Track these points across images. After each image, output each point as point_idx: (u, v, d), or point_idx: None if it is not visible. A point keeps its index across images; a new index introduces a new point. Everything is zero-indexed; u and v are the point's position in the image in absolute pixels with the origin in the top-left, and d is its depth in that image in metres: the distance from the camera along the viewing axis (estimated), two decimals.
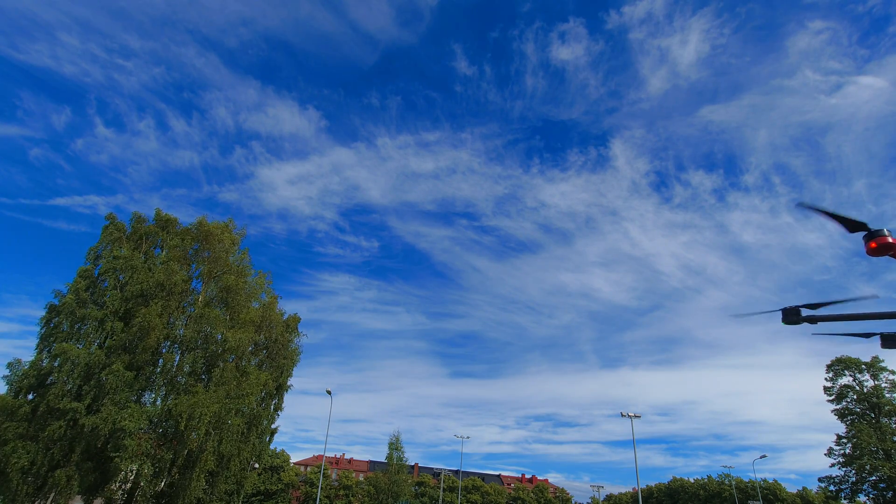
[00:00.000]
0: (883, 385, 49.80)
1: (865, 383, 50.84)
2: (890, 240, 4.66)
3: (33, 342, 27.03)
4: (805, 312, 6.36)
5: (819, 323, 6.28)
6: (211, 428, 25.20)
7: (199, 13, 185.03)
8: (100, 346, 26.44)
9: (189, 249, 31.11)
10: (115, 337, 26.28)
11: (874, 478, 46.86)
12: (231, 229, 33.04)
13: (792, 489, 71.86)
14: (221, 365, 28.08)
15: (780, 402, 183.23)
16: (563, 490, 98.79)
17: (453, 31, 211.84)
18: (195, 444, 25.49)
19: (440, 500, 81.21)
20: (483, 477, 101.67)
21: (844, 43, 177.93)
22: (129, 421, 23.62)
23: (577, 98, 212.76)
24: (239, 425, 26.77)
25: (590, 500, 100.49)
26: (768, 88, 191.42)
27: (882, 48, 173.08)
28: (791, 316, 6.31)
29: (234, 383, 26.98)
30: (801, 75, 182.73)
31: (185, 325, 28.72)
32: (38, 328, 27.21)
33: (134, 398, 26.11)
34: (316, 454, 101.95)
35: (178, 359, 28.09)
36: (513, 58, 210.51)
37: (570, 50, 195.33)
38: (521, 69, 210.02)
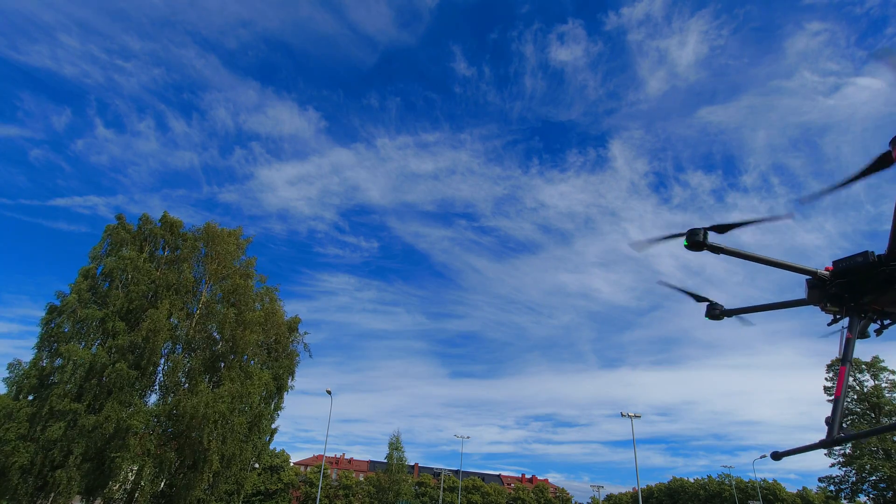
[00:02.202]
0: (883, 385, 49.84)
1: (865, 383, 50.87)
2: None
3: (33, 342, 27.04)
4: (713, 238, 6.05)
5: (722, 255, 6.08)
6: (216, 428, 25.22)
7: (198, 15, 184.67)
8: (101, 346, 26.47)
9: (196, 251, 31.32)
10: (119, 338, 26.30)
11: (874, 478, 46.89)
12: (239, 235, 33.56)
13: (792, 489, 71.92)
14: (224, 365, 28.12)
15: (780, 402, 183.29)
16: (563, 490, 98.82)
17: (452, 33, 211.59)
18: (201, 444, 25.51)
19: (440, 500, 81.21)
20: (483, 477, 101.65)
21: (842, 44, 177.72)
22: (134, 419, 23.64)
23: (576, 99, 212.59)
24: (243, 425, 26.78)
25: (590, 500, 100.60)
26: (766, 89, 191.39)
27: (880, 49, 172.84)
28: (694, 237, 6.02)
29: (239, 383, 27.02)
30: (800, 76, 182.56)
31: (190, 325, 28.78)
32: (38, 328, 27.23)
33: (137, 397, 26.13)
34: (316, 454, 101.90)
35: (180, 359, 28.09)
36: (512, 59, 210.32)
37: (569, 51, 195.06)
38: (520, 70, 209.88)
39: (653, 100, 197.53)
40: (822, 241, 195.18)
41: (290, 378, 32.68)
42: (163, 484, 26.30)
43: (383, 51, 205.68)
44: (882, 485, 46.31)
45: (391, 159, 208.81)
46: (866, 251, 5.05)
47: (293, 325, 33.77)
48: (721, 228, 5.91)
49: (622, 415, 47.35)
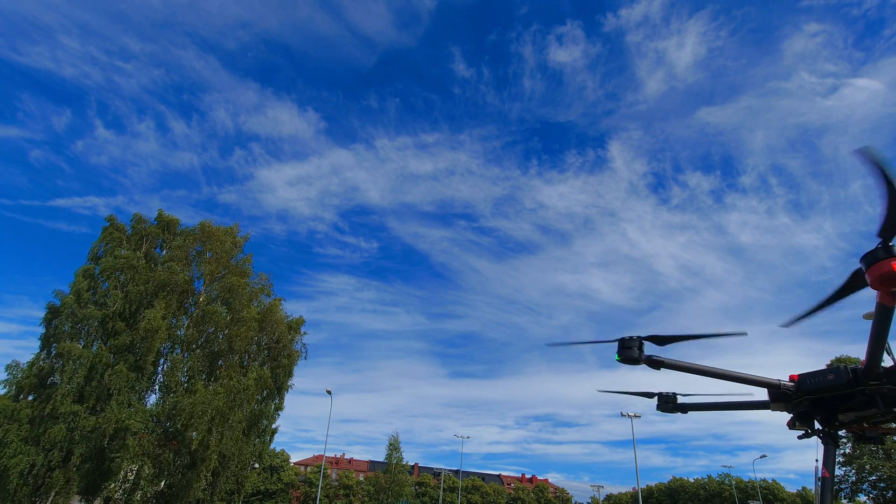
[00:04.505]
0: None
1: None
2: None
3: (33, 342, 27.29)
4: (651, 350, 4.98)
5: (662, 369, 5.05)
6: (213, 425, 25.18)
7: (198, 16, 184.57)
8: (102, 346, 26.48)
9: (191, 250, 31.23)
10: (118, 338, 26.30)
11: (874, 477, 46.90)
12: (235, 233, 33.42)
13: (791, 489, 71.93)
14: (222, 363, 28.09)
15: None
16: (563, 490, 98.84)
17: (451, 34, 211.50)
18: (197, 443, 25.49)
19: (440, 500, 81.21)
20: (483, 477, 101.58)
21: (840, 45, 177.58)
22: (133, 420, 23.61)
23: (575, 100, 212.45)
24: (241, 421, 26.73)
25: (590, 500, 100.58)
26: (764, 90, 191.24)
27: (877, 51, 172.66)
28: (627, 352, 5.04)
29: (236, 381, 26.98)
30: (798, 77, 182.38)
31: (188, 325, 28.75)
32: (38, 328, 27.32)
33: (136, 398, 26.13)
34: (316, 454, 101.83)
35: (179, 359, 28.09)
36: (511, 60, 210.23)
37: (568, 52, 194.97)
38: (519, 71, 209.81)
39: (651, 101, 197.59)
40: (821, 241, 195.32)
41: (289, 378, 32.57)
42: (163, 484, 26.29)
43: (382, 52, 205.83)
44: (882, 484, 46.31)
45: (390, 160, 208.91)
46: (837, 366, 4.44)
47: (295, 326, 33.68)
48: (659, 340, 5.09)
49: (622, 415, 47.45)
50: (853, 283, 3.71)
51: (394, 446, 69.87)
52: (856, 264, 3.57)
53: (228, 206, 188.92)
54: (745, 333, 4.67)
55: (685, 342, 5.05)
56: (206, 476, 26.00)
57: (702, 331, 5.54)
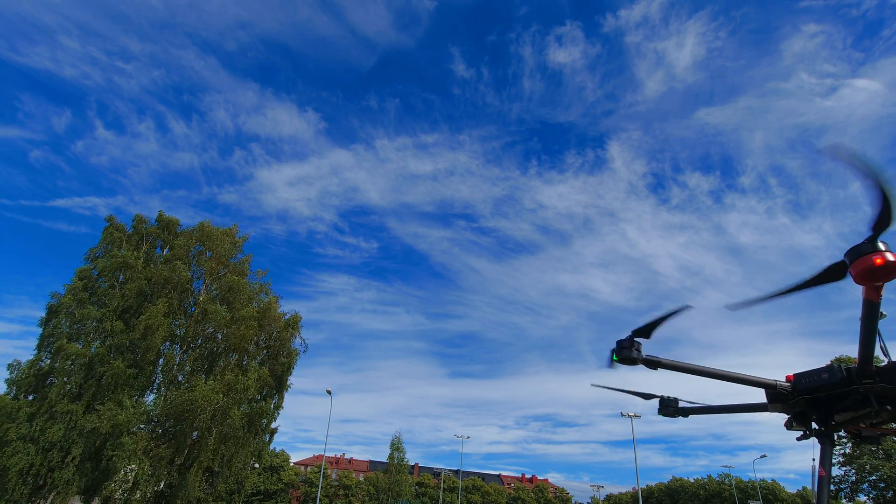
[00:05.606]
0: None
1: None
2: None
3: (33, 342, 27.17)
4: (644, 351, 4.95)
5: (660, 370, 5.07)
6: (212, 424, 25.17)
7: (197, 16, 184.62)
8: (100, 345, 26.51)
9: (191, 250, 31.33)
10: (116, 336, 26.32)
11: (874, 477, 46.89)
12: (234, 233, 33.58)
13: (791, 489, 71.94)
14: (222, 363, 28.10)
15: None
16: (563, 490, 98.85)
17: (451, 35, 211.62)
18: (195, 441, 25.49)
19: (440, 500, 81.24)
20: (483, 477, 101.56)
21: (839, 46, 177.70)
22: (127, 419, 23.61)
23: (575, 100, 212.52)
24: (241, 417, 26.71)
25: (590, 500, 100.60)
26: (764, 91, 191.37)
27: (876, 51, 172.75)
28: (624, 352, 4.99)
29: (233, 377, 26.99)
30: (797, 78, 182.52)
31: (187, 324, 28.78)
32: (38, 328, 27.34)
33: (135, 397, 26.15)
34: (316, 454, 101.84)
35: (178, 357, 28.12)
36: (510, 61, 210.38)
37: (567, 53, 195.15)
38: (519, 72, 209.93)
39: (651, 101, 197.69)
40: (821, 241, 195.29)
41: (289, 376, 32.54)
42: (162, 483, 26.26)
43: (382, 53, 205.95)
44: (882, 484, 46.32)
45: (390, 160, 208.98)
46: (831, 365, 4.40)
47: (293, 323, 33.69)
48: (643, 332, 5.03)
49: (622, 415, 47.48)
50: (831, 273, 3.60)
51: (396, 446, 69.94)
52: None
53: (228, 206, 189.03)
54: (690, 307, 4.60)
55: (664, 328, 5.00)
56: (204, 475, 25.99)
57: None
